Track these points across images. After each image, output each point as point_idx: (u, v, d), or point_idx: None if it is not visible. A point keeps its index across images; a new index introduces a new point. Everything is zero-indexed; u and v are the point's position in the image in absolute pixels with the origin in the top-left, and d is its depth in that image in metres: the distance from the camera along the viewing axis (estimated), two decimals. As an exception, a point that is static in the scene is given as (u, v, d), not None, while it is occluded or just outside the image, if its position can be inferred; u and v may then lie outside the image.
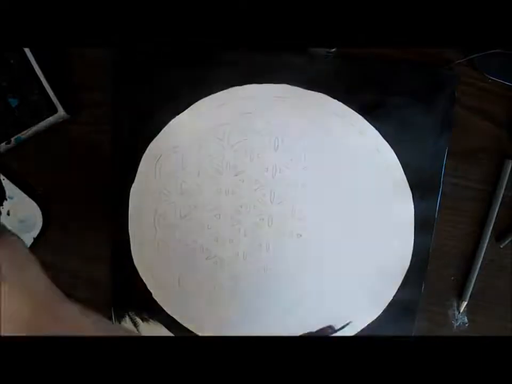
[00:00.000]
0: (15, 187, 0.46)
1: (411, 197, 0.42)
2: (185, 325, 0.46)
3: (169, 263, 0.45)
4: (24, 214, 0.46)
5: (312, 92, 0.42)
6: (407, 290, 0.44)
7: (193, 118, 0.43)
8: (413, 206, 0.42)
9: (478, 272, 0.43)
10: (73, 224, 0.47)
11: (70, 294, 0.48)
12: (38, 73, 0.43)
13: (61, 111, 0.44)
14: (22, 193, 0.46)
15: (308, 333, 0.45)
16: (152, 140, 0.44)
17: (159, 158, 0.44)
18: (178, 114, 0.43)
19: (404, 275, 0.43)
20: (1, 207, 0.46)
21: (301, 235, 0.44)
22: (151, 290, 0.46)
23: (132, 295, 0.46)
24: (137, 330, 0.46)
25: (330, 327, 0.45)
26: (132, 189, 0.44)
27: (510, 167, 0.42)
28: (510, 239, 0.43)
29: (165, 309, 0.46)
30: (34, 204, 0.46)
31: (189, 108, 0.43)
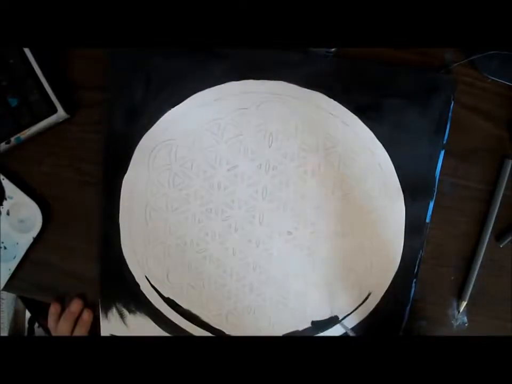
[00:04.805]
0: (15, 187, 0.46)
1: (402, 198, 0.42)
2: (171, 318, 0.46)
3: (158, 255, 0.45)
4: (24, 214, 0.46)
5: (309, 91, 0.42)
6: (396, 293, 0.44)
7: (189, 111, 0.43)
8: (404, 207, 0.42)
9: (478, 272, 0.43)
10: (73, 224, 0.47)
11: (69, 292, 0.48)
12: (38, 73, 0.43)
13: (61, 111, 0.44)
14: (22, 193, 0.46)
15: (295, 331, 0.45)
16: (146, 131, 0.43)
17: (153, 150, 0.44)
18: (174, 106, 0.43)
19: (392, 277, 0.44)
20: (1, 207, 0.46)
21: (291, 233, 0.44)
22: (139, 282, 0.46)
23: (120, 287, 0.46)
24: (124, 322, 0.47)
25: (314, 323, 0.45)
26: (124, 179, 0.44)
27: (510, 167, 0.42)
28: (510, 239, 0.43)
29: (152, 301, 0.46)
30: (34, 204, 0.46)
31: (184, 101, 0.43)
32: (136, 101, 0.43)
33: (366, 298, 0.44)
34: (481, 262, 0.43)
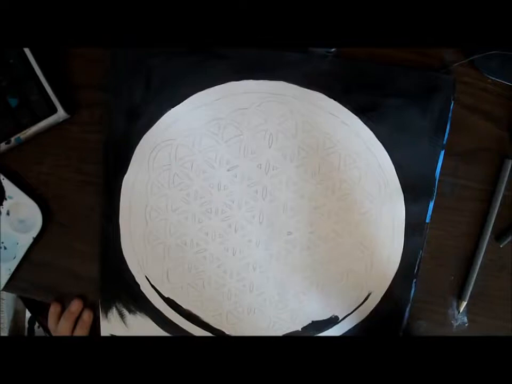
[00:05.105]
0: (15, 187, 0.46)
1: (403, 199, 0.42)
2: (171, 318, 0.46)
3: (158, 255, 0.45)
4: (24, 214, 0.46)
5: (309, 91, 0.42)
6: (396, 293, 0.44)
7: (189, 111, 0.43)
8: (404, 207, 0.42)
9: (478, 272, 0.43)
10: (73, 224, 0.47)
11: (69, 292, 0.48)
12: (38, 73, 0.43)
13: (61, 111, 0.44)
14: (22, 193, 0.46)
15: (295, 331, 0.45)
16: (146, 131, 0.43)
17: (153, 150, 0.44)
18: (174, 106, 0.43)
19: (392, 277, 0.43)
20: (1, 207, 0.46)
21: (291, 233, 0.44)
22: (139, 282, 0.46)
23: (120, 287, 0.46)
24: (124, 322, 0.47)
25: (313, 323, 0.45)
26: (124, 179, 0.44)
27: (510, 167, 0.42)
28: (510, 238, 0.43)
29: (151, 301, 0.46)
30: (34, 204, 0.46)
31: (184, 101, 0.43)
32: (136, 101, 0.43)
33: (366, 298, 0.44)
34: (481, 262, 0.43)
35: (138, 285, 0.46)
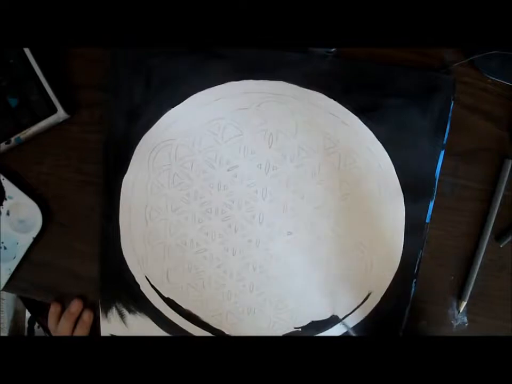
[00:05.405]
0: (15, 187, 0.46)
1: (402, 198, 0.42)
2: (171, 318, 0.46)
3: (158, 255, 0.45)
4: (24, 214, 0.46)
5: (309, 90, 0.42)
6: (396, 293, 0.44)
7: (189, 111, 0.43)
8: (404, 207, 0.42)
9: (478, 272, 0.43)
10: (73, 224, 0.47)
11: (69, 292, 0.48)
12: (38, 73, 0.43)
13: (61, 111, 0.44)
14: (22, 193, 0.46)
15: (295, 331, 0.46)
16: (146, 131, 0.43)
17: (153, 150, 0.44)
18: (174, 106, 0.43)
19: (392, 277, 0.43)
20: (1, 207, 0.46)
21: (291, 233, 0.44)
22: (139, 282, 0.46)
23: (120, 287, 0.46)
24: (124, 322, 0.47)
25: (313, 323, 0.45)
26: (124, 179, 0.44)
27: (510, 167, 0.42)
28: (510, 238, 0.43)
29: (151, 301, 0.46)
30: (34, 204, 0.46)
31: (184, 101, 0.43)
32: (136, 101, 0.43)
33: (366, 298, 0.44)
34: (481, 262, 0.43)
35: (138, 285, 0.46)
